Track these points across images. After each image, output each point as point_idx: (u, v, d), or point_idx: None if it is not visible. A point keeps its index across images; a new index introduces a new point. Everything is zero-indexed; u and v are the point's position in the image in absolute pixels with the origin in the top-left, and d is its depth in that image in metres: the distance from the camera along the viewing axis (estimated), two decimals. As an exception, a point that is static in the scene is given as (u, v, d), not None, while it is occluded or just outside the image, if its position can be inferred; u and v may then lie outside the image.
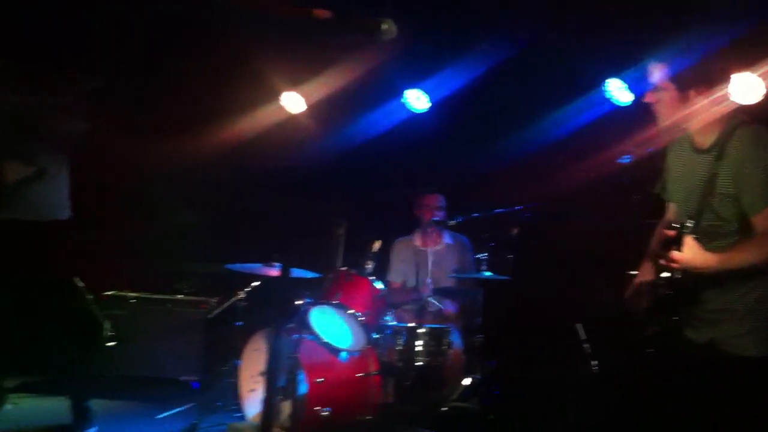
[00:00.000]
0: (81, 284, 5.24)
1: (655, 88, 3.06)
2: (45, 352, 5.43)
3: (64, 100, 4.79)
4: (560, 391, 5.29)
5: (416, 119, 6.40)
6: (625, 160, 5.18)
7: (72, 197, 4.92)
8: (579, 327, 5.41)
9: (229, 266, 5.66)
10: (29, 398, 5.63)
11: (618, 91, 5.64)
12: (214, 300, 6.25)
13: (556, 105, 5.87)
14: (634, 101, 5.59)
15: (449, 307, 5.77)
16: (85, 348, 5.22)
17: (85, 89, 4.87)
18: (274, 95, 5.85)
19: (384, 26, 2.32)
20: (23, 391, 5.65)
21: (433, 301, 5.64)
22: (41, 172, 4.71)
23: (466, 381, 5.19)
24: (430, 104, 6.28)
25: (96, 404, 5.09)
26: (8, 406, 5.03)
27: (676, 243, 2.84)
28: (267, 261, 5.33)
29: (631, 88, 5.60)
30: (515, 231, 5.43)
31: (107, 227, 6.48)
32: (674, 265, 2.87)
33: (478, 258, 5.44)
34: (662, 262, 2.92)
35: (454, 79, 5.87)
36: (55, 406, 5.31)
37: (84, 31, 5.65)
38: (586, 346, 5.30)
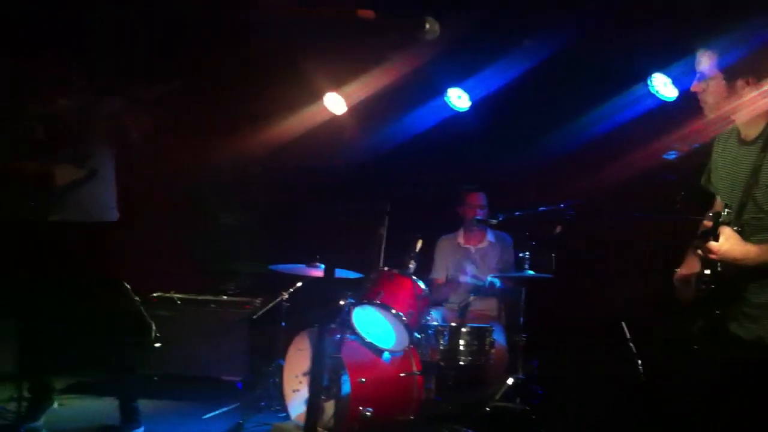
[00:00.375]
0: (127, 286, 5.33)
1: (703, 78, 3.00)
2: (93, 353, 5.53)
3: (116, 104, 4.87)
4: (604, 390, 5.23)
5: (458, 117, 6.39)
6: (671, 156, 5.11)
7: (119, 198, 4.99)
8: (623, 325, 5.35)
9: (273, 267, 5.71)
10: (78, 399, 5.74)
11: (663, 86, 5.57)
12: (257, 300, 6.32)
13: (599, 101, 5.82)
14: (679, 96, 5.52)
15: (492, 306, 5.75)
16: (133, 349, 5.29)
17: (136, 94, 4.95)
18: (318, 96, 5.89)
19: (427, 25, 2.30)
20: (72, 392, 5.76)
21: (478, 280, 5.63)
22: (92, 174, 4.78)
23: (509, 380, 5.15)
24: (470, 102, 6.25)
25: (143, 404, 5.16)
26: (55, 406, 5.11)
27: (713, 233, 2.78)
28: (310, 261, 5.36)
29: (677, 83, 5.53)
30: (558, 229, 5.38)
31: (154, 229, 6.59)
32: (711, 256, 2.81)
33: (521, 256, 5.40)
34: (699, 252, 2.87)
35: (495, 77, 5.85)
36: (103, 407, 5.40)
37: (136, 36, 5.76)
38: (630, 344, 5.25)
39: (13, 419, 4.76)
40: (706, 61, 2.98)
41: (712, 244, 2.78)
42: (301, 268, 5.41)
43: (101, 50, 5.21)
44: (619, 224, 5.80)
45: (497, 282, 5.69)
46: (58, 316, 4.90)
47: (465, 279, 5.65)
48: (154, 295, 6.26)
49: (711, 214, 2.82)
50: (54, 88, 4.83)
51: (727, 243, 2.78)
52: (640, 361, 5.21)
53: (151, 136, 4.93)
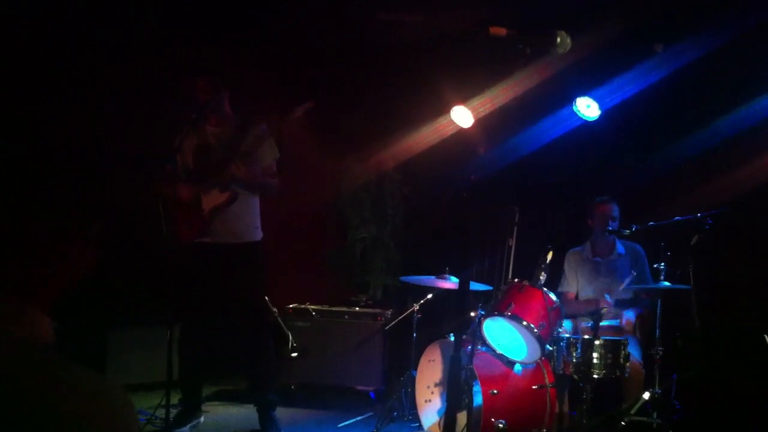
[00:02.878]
0: (266, 298, 5.57)
1: None
2: (236, 364, 5.80)
3: (259, 130, 5.15)
4: (746, 406, 5.03)
5: (588, 127, 6.30)
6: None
7: (261, 218, 5.26)
8: (767, 338, 5.12)
9: (404, 278, 5.80)
10: (221, 405, 6.01)
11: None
12: (389, 312, 6.42)
13: (732, 107, 5.62)
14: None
15: (626, 318, 5.62)
16: (274, 359, 5.50)
17: (275, 119, 5.20)
18: (445, 110, 5.95)
19: (559, 39, 2.32)
20: (214, 399, 6.04)
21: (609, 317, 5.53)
22: (233, 199, 5.07)
23: (646, 395, 5.02)
24: (600, 111, 6.16)
25: (280, 412, 5.35)
26: (201, 420, 5.37)
27: None
28: (440, 273, 5.42)
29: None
30: (695, 239, 5.21)
31: (289, 242, 6.83)
32: None
33: (656, 268, 5.26)
34: None
35: (626, 85, 5.74)
36: (244, 414, 5.63)
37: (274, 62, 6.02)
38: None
39: (162, 425, 5.03)
40: None
41: None
42: (431, 280, 5.48)
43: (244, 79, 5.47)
44: (760, 232, 5.57)
45: (632, 316, 5.59)
46: (211, 327, 5.22)
47: (607, 305, 5.53)
48: (290, 306, 6.48)
49: None
50: (207, 117, 5.15)
51: None
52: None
53: (291, 156, 5.15)
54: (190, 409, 5.24)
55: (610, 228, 5.64)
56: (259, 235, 5.23)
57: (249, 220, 5.19)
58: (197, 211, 5.07)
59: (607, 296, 5.58)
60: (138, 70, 5.86)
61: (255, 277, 5.23)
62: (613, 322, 5.60)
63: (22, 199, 1.38)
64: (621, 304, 5.71)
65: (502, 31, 2.21)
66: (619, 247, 5.88)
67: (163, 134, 5.21)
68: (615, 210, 5.81)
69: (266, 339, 5.35)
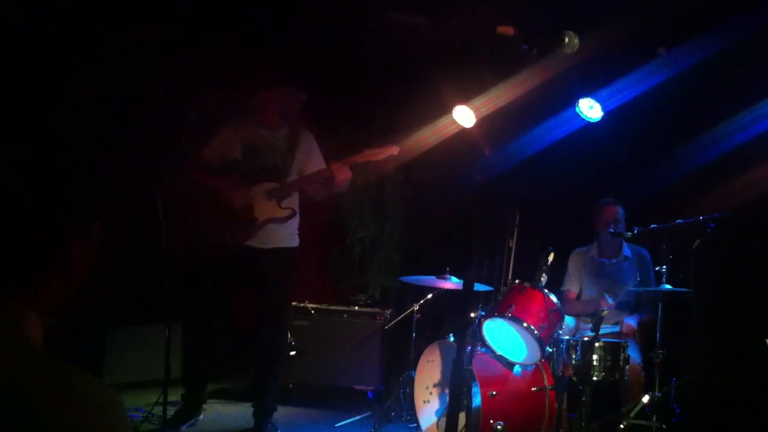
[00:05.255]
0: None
1: None
2: (233, 361, 5.79)
3: (310, 141, 5.21)
4: (745, 410, 5.02)
5: (590, 128, 6.27)
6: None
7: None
8: (767, 341, 5.11)
9: (404, 278, 5.78)
10: (218, 404, 5.99)
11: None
12: (388, 312, 6.40)
13: (737, 110, 5.60)
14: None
15: (628, 321, 5.61)
16: (281, 362, 5.50)
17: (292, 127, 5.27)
18: (447, 110, 5.93)
19: (566, 40, 2.30)
20: (211, 397, 6.03)
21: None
22: (292, 215, 5.17)
23: (645, 398, 5.00)
24: (602, 113, 6.13)
25: (278, 411, 5.33)
26: (201, 417, 5.36)
27: None
28: (440, 273, 5.39)
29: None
30: (697, 242, 5.19)
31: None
32: None
33: (658, 271, 5.24)
34: None
35: (629, 86, 5.72)
36: (241, 412, 5.62)
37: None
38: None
39: (159, 423, 5.01)
40: None
41: None
42: (431, 280, 5.46)
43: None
44: (762, 237, 5.55)
45: (634, 322, 5.58)
46: (223, 327, 5.25)
47: (608, 306, 5.52)
48: (291, 304, 6.46)
49: None
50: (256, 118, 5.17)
51: None
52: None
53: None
54: (191, 408, 5.23)
55: (612, 230, 5.63)
56: (296, 241, 5.27)
57: (292, 228, 5.22)
58: (249, 218, 5.06)
59: (608, 297, 5.56)
60: (136, 69, 5.84)
61: (287, 282, 5.26)
62: (614, 329, 5.59)
63: (22, 202, 1.36)
64: (623, 308, 5.70)
65: (510, 31, 2.19)
66: (626, 250, 5.87)
67: (164, 134, 5.20)
68: (620, 212, 5.80)
69: (283, 342, 5.38)
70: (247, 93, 5.20)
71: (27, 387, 1.24)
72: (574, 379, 4.85)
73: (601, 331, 4.93)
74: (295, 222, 5.23)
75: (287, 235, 5.21)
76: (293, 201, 5.20)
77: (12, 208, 1.35)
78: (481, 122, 5.84)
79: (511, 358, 4.92)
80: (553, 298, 4.91)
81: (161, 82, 5.72)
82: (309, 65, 6.20)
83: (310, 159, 5.21)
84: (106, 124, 5.71)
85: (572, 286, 5.97)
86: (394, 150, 5.14)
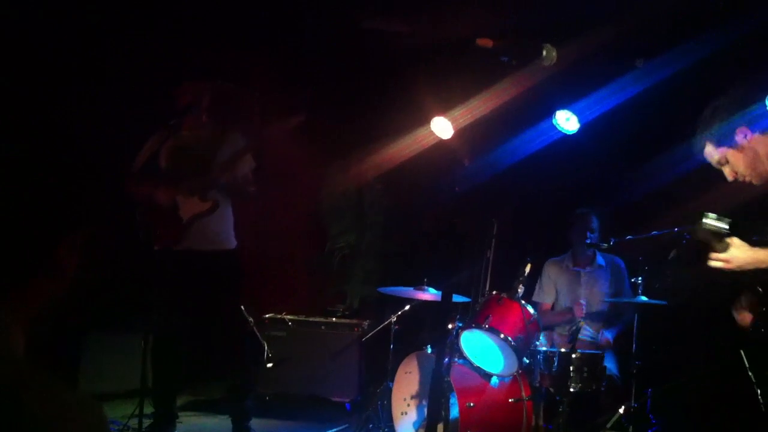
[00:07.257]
0: (242, 307, 5.52)
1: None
2: (210, 373, 5.73)
3: (237, 138, 5.13)
4: (720, 420, 5.05)
5: (567, 140, 6.31)
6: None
7: (236, 225, 5.22)
8: (742, 353, 5.14)
9: (382, 289, 5.77)
10: (194, 416, 5.93)
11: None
12: (366, 323, 6.39)
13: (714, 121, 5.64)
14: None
15: (604, 332, 5.64)
16: (249, 369, 5.45)
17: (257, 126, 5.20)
18: (425, 121, 5.95)
19: (545, 52, 2.31)
20: (188, 409, 5.97)
21: (587, 328, 5.54)
22: (215, 207, 5.03)
23: (621, 409, 5.02)
24: (579, 125, 6.18)
25: (255, 423, 5.29)
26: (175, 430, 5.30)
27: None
28: (418, 284, 5.39)
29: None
30: (673, 253, 5.23)
31: (267, 251, 6.78)
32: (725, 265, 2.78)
33: (633, 282, 5.28)
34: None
35: (606, 98, 5.76)
36: (218, 425, 5.57)
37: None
38: (750, 373, 5.04)
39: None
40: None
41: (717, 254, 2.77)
42: (409, 291, 5.44)
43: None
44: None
45: (611, 336, 5.61)
46: (184, 335, 5.16)
47: (581, 311, 5.54)
48: (266, 316, 6.43)
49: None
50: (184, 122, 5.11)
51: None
52: (759, 391, 4.99)
53: (270, 165, 5.11)
54: (164, 421, 5.17)
55: (589, 241, 5.66)
56: (233, 242, 5.19)
57: (225, 228, 5.15)
58: (175, 217, 5.00)
59: (582, 301, 5.60)
60: (123, 72, 5.80)
61: (230, 285, 5.18)
62: (591, 337, 5.62)
63: (11, 209, 1.35)
64: (599, 318, 5.72)
65: (488, 43, 2.20)
66: (599, 259, 5.92)
67: (143, 138, 5.17)
68: (594, 222, 5.85)
69: (243, 347, 5.30)
70: (177, 90, 5.14)
71: (14, 401, 1.22)
72: (552, 390, 4.86)
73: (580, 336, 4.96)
74: (227, 221, 5.15)
75: (221, 234, 5.12)
76: (222, 198, 5.13)
77: (3, 212, 1.34)
78: (460, 133, 5.86)
79: (488, 369, 4.91)
80: (531, 309, 4.92)
81: (160, 84, 5.67)
82: (288, 73, 6.19)
83: (235, 158, 5.11)
84: (89, 127, 5.67)
85: (546, 298, 6.00)
86: (301, 118, 5.09)
